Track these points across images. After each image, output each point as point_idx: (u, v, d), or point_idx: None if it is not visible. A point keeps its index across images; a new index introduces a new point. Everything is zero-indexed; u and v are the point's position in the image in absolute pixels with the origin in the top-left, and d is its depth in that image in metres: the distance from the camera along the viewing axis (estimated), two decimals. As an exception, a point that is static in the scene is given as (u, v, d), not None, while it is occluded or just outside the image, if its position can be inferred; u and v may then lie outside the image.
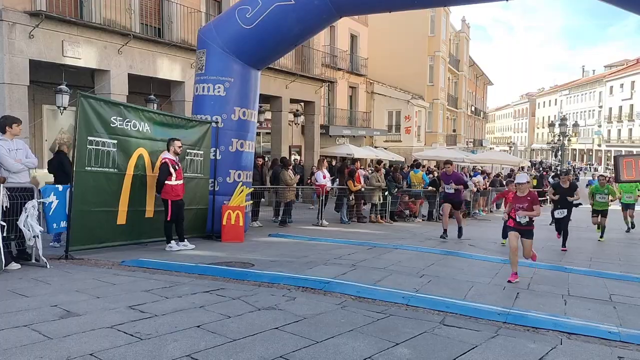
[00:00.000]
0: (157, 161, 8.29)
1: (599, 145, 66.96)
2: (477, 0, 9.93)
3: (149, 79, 14.32)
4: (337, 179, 15.56)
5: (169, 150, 8.28)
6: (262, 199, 13.54)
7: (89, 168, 7.36)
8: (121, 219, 7.92)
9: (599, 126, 67.30)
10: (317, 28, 10.83)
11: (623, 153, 31.37)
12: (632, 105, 59.82)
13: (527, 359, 3.91)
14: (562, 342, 4.33)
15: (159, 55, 14.35)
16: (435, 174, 17.54)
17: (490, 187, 20.22)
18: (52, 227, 7.02)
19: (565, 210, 10.47)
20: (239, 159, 10.23)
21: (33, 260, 6.51)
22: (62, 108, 12.60)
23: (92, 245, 7.49)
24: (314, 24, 10.09)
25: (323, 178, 13.67)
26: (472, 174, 21.97)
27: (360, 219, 14.39)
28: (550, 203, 12.71)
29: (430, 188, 15.92)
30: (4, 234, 6.06)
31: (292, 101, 20.36)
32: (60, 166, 8.61)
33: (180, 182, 8.31)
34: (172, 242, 8.26)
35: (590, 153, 70.54)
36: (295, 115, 20.76)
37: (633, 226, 14.33)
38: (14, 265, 6.21)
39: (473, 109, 53.44)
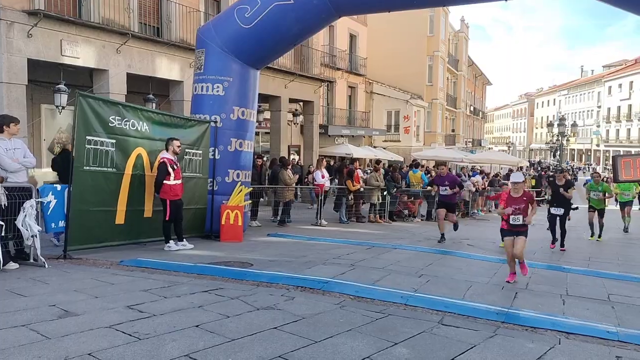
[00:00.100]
0: (155, 161, 8.28)
1: (598, 145, 67.04)
2: (476, 0, 9.94)
3: (148, 78, 14.31)
4: (337, 179, 15.57)
5: (167, 150, 8.27)
6: (261, 199, 13.54)
7: (87, 167, 7.35)
8: (120, 219, 7.91)
9: (598, 126, 67.37)
10: (316, 28, 10.83)
11: (621, 153, 31.40)
12: (630, 106, 59.89)
13: (526, 358, 3.91)
14: (560, 342, 4.33)
15: (158, 54, 14.34)
16: (433, 173, 17.53)
17: (489, 187, 20.24)
18: (50, 227, 7.01)
19: (562, 209, 10.40)
20: (237, 158, 10.22)
21: (31, 260, 6.50)
22: (60, 107, 12.58)
23: (91, 245, 7.48)
24: (313, 24, 10.09)
25: (322, 177, 13.68)
26: (470, 173, 21.98)
27: (359, 219, 14.39)
28: (547, 204, 12.61)
29: (429, 188, 15.92)
30: (2, 234, 6.05)
31: (291, 101, 20.36)
32: (65, 165, 8.60)
33: (179, 181, 8.30)
34: (171, 241, 8.25)
35: (589, 153, 70.63)
36: (294, 114, 20.76)
37: (626, 230, 14.15)
38: (12, 265, 6.20)
39: (472, 109, 53.46)
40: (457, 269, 7.64)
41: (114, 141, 7.74)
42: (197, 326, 4.20)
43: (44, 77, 12.85)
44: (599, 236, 12.36)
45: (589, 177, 12.84)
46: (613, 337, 4.49)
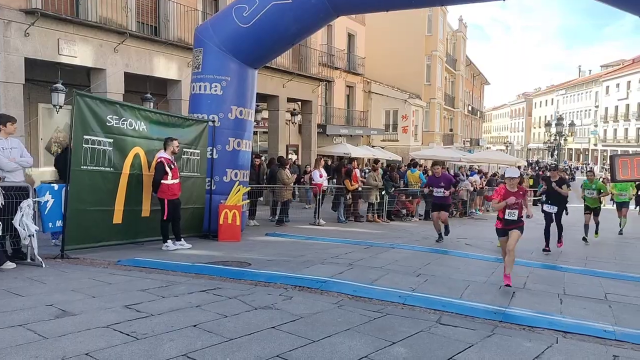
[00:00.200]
0: (153, 160, 8.27)
1: (595, 144, 67.15)
2: (474, 0, 9.94)
3: (146, 77, 14.28)
4: (335, 179, 15.57)
5: (166, 150, 8.25)
6: (260, 198, 13.53)
7: (84, 167, 7.33)
8: (117, 218, 7.90)
9: (595, 126, 67.48)
10: (315, 27, 10.82)
11: (619, 153, 31.47)
12: (628, 105, 59.99)
13: (523, 357, 3.92)
14: (557, 341, 4.34)
15: (156, 53, 14.32)
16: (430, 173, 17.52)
17: (486, 187, 20.27)
18: (47, 226, 7.00)
19: (556, 207, 10.23)
20: (235, 158, 10.21)
21: (28, 260, 6.48)
22: (57, 107, 12.56)
23: (88, 245, 7.47)
24: (311, 23, 10.08)
25: (320, 177, 13.68)
26: (468, 173, 22.01)
27: (358, 218, 14.39)
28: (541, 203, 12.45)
29: (425, 190, 15.91)
30: (0, 233, 6.03)
31: (289, 100, 20.35)
32: (66, 163, 8.56)
33: (177, 181, 8.29)
34: (169, 241, 8.24)
35: (587, 152, 70.74)
36: (293, 114, 20.75)
37: (621, 232, 14.02)
38: (9, 265, 6.18)
39: (470, 108, 53.51)
40: (454, 269, 7.65)
41: (111, 140, 7.72)
42: (194, 326, 4.20)
43: (41, 76, 12.82)
44: (596, 232, 12.26)
45: (586, 178, 12.61)
46: (610, 336, 4.50)
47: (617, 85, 62.67)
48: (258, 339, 3.97)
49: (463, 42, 45.83)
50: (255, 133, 16.83)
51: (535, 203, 18.65)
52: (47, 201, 6.88)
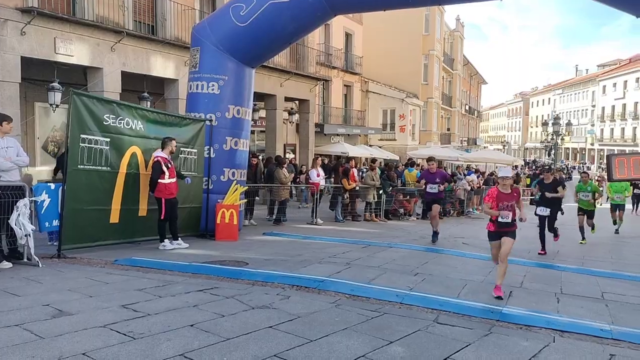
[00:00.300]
0: (150, 159, 8.25)
1: (592, 144, 67.34)
2: (472, -1, 9.94)
3: (143, 76, 14.25)
4: (332, 178, 15.56)
5: (163, 149, 8.24)
6: (257, 197, 13.52)
7: (81, 166, 7.31)
8: (114, 218, 7.88)
9: (592, 125, 67.66)
10: (312, 26, 10.81)
11: (616, 152, 31.57)
12: (624, 105, 60.16)
13: (520, 356, 3.92)
14: (554, 340, 4.35)
15: (153, 52, 14.28)
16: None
17: (484, 186, 20.30)
18: (44, 226, 6.98)
19: (549, 210, 9.92)
20: (233, 157, 10.20)
21: (25, 259, 6.46)
22: (54, 106, 12.51)
23: (85, 244, 7.44)
24: (308, 22, 10.07)
25: (317, 176, 13.67)
26: (466, 172, 22.05)
27: (355, 218, 14.39)
28: (535, 204, 12.19)
29: (418, 183, 15.88)
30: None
31: (287, 99, 20.33)
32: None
33: (174, 180, 8.27)
34: (166, 240, 8.22)
35: (584, 152, 70.92)
36: (290, 113, 20.73)
37: (617, 232, 13.99)
38: (6, 264, 6.17)
39: (467, 107, 53.57)
40: (452, 268, 7.66)
41: (108, 140, 7.70)
42: (192, 325, 4.19)
43: (38, 75, 12.77)
44: (592, 229, 12.06)
45: (580, 179, 12.38)
46: (607, 335, 4.51)
47: (614, 84, 62.84)
48: (255, 338, 3.97)
49: (460, 42, 45.87)
50: (252, 132, 16.85)
51: (532, 202, 18.65)
52: (44, 200, 6.86)
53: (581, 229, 11.84)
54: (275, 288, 5.65)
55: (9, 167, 6.43)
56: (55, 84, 12.33)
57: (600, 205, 12.66)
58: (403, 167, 19.15)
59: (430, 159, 11.18)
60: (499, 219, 6.13)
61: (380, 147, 29.82)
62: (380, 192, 14.65)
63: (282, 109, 19.93)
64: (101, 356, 3.47)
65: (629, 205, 17.18)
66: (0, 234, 6.21)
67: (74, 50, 12.35)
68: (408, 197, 16.32)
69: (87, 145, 7.38)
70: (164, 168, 8.05)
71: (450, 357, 3.83)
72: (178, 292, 5.30)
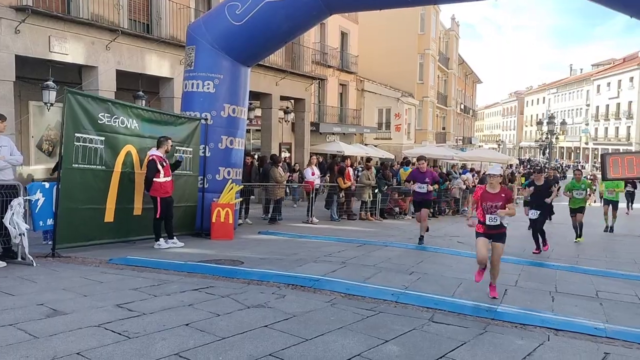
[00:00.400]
0: (145, 158, 8.22)
1: (587, 143, 67.64)
2: (467, -1, 9.97)
3: (138, 75, 14.20)
4: (328, 177, 15.55)
5: (158, 148, 8.21)
6: (252, 196, 13.51)
7: (76, 165, 7.28)
8: (109, 217, 7.85)
9: (587, 124, 67.96)
10: (307, 25, 10.80)
11: (610, 151, 31.71)
12: (618, 104, 60.47)
13: (515, 355, 3.94)
14: (549, 339, 4.37)
15: (148, 51, 14.23)
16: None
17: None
18: (38, 225, 6.95)
19: (538, 212, 9.64)
20: (228, 156, 10.18)
21: (19, 259, 6.43)
22: (49, 104, 12.46)
23: (80, 243, 7.42)
24: (303, 21, 10.06)
25: (312, 175, 13.67)
26: (461, 171, 22.09)
27: (350, 217, 14.40)
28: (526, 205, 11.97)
29: (406, 184, 15.80)
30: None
31: (282, 98, 20.32)
32: None
33: (169, 178, 8.26)
34: (161, 239, 8.20)
35: (578, 151, 71.24)
36: (286, 112, 20.72)
37: (611, 230, 13.95)
38: (0, 264, 6.13)
39: (462, 106, 53.71)
40: (447, 267, 7.68)
41: (103, 138, 7.67)
42: (187, 325, 4.18)
43: (32, 74, 12.71)
44: (579, 236, 11.73)
45: (573, 177, 12.27)
46: (601, 334, 4.53)
47: (608, 84, 63.15)
48: (251, 337, 3.97)
49: (455, 41, 45.97)
50: (248, 131, 16.78)
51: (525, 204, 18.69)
52: (38, 199, 6.82)
53: (575, 228, 11.80)
54: (270, 287, 5.65)
55: (2, 166, 6.42)
56: (50, 83, 12.27)
57: (590, 205, 12.57)
58: (398, 165, 19.18)
59: (420, 158, 10.79)
60: (487, 222, 5.69)
61: (375, 146, 29.85)
62: (376, 191, 14.66)
63: (278, 107, 19.91)
64: (96, 356, 3.46)
65: (622, 205, 17.24)
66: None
67: (69, 48, 12.29)
68: (403, 196, 16.34)
69: (81, 144, 7.35)
70: (159, 167, 8.03)
71: (446, 355, 3.84)
72: (173, 291, 5.29)
